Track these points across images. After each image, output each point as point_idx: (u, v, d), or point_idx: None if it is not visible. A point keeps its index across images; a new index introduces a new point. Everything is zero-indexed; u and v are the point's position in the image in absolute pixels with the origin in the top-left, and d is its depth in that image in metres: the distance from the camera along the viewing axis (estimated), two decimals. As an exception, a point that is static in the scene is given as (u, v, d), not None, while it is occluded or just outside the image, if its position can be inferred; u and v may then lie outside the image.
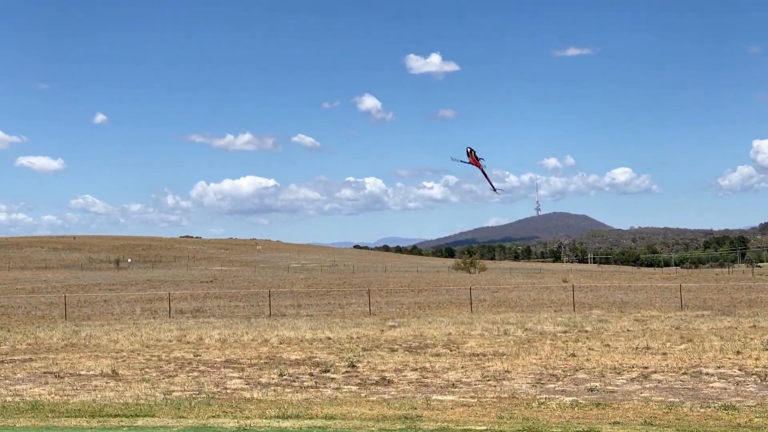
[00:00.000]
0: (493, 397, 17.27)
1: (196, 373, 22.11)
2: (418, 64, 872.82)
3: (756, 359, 22.72)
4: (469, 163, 23.92)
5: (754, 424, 13.99)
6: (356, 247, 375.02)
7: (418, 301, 61.09)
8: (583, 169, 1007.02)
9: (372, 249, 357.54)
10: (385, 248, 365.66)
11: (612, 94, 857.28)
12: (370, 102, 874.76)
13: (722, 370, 20.87)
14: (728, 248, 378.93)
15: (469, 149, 23.81)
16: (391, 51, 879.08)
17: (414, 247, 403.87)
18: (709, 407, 15.56)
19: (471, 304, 52.57)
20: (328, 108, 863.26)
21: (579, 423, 14.20)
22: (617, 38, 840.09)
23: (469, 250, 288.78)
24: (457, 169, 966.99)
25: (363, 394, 18.09)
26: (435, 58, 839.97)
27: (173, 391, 18.97)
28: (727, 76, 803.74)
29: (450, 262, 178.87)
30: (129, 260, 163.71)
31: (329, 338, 31.33)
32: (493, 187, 26.14)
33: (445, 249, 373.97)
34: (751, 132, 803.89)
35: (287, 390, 18.86)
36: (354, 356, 24.92)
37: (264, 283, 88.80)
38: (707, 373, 20.43)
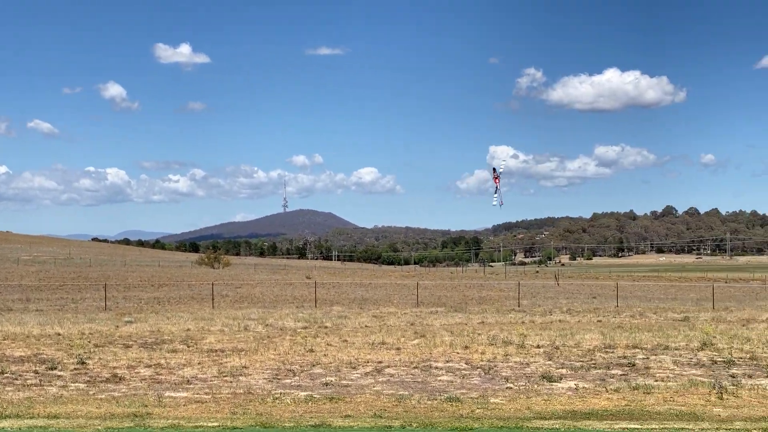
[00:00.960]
0: (228, 393, 17.06)
1: None
2: (167, 53, 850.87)
3: (482, 353, 23.90)
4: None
5: (475, 414, 14.66)
6: (95, 239, 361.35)
7: (158, 296, 59.63)
8: (331, 167, 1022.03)
9: (112, 242, 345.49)
10: (126, 242, 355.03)
11: (362, 94, 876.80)
12: (114, 90, 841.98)
13: (450, 364, 21.77)
14: (464, 248, 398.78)
15: (494, 168, 27.37)
16: (138, 38, 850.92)
17: (157, 241, 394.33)
18: (436, 399, 16.16)
19: (213, 299, 51.95)
20: (68, 94, 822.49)
21: (312, 417, 14.30)
22: (368, 40, 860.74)
23: (214, 246, 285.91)
24: (205, 162, 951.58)
25: (91, 392, 17.32)
26: (185, 49, 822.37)
27: None
28: (468, 83, 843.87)
29: (194, 257, 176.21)
30: None
31: (59, 334, 29.84)
32: (501, 201, 29.13)
33: (190, 244, 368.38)
34: (487, 138, 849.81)
35: (8, 389, 17.72)
36: (84, 353, 23.85)
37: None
38: (436, 367, 21.24)
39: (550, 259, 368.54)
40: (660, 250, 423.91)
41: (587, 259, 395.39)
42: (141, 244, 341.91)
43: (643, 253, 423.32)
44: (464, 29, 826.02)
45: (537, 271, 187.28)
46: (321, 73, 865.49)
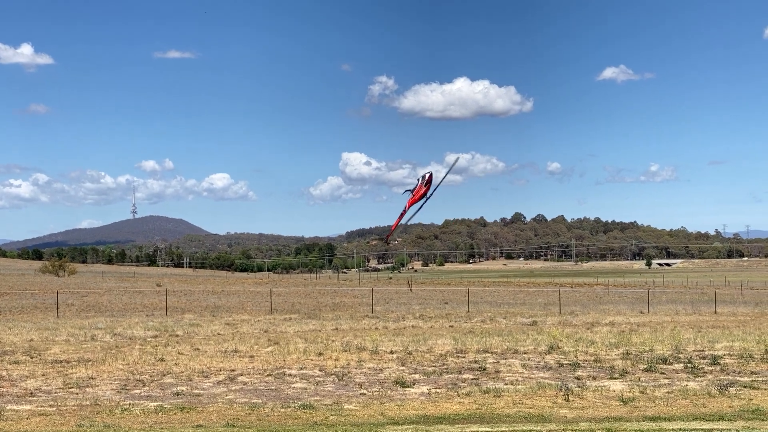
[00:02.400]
0: (74, 405, 16.46)
1: None
2: (6, 54, 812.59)
3: (336, 360, 23.92)
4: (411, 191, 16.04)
5: (329, 421, 14.64)
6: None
7: (-2, 305, 57.11)
8: (182, 173, 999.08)
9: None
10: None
11: (213, 99, 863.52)
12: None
13: (304, 371, 21.69)
14: (318, 254, 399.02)
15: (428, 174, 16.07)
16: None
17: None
18: (290, 407, 16.05)
19: (57, 308, 50.13)
20: None
21: (162, 428, 13.96)
22: (219, 45, 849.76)
23: (59, 253, 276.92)
24: (49, 167, 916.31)
25: (-75, 408, 16.38)
26: (26, 49, 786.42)
27: None
28: (321, 89, 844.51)
29: (37, 264, 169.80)
30: None
31: None
32: (387, 236, 18.76)
33: (33, 251, 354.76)
34: (340, 145, 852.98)
35: None
36: None
37: None
38: (290, 374, 21.12)
39: (403, 266, 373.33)
40: (509, 256, 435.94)
41: (439, 265, 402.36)
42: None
43: (494, 258, 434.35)
44: (317, 35, 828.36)
45: (390, 278, 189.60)
46: (171, 76, 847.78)
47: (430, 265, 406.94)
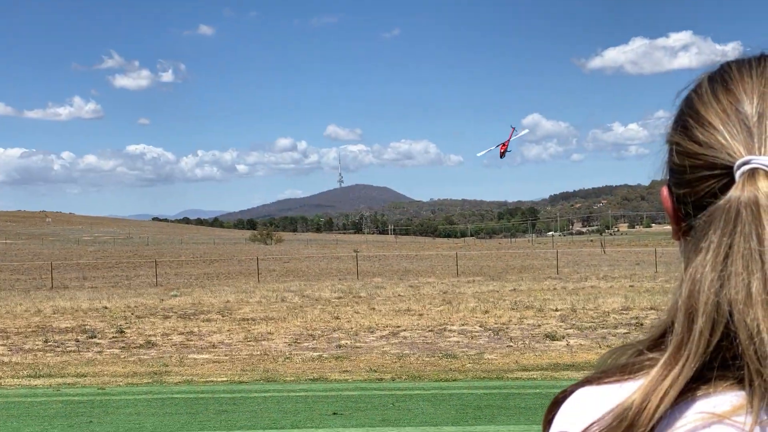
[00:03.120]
0: (246, 355, 18.45)
1: (-42, 343, 22.09)
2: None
3: (498, 317, 24.99)
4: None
5: (465, 368, 15.83)
6: (155, 219, 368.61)
7: (207, 272, 61.53)
8: (378, 140, 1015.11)
9: (171, 221, 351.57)
10: (186, 221, 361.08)
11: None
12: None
13: (465, 327, 22.92)
14: (520, 219, 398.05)
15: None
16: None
17: (215, 219, 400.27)
18: (434, 356, 17.36)
19: (258, 273, 53.59)
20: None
21: (313, 372, 15.61)
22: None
23: (272, 222, 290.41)
24: (258, 146, 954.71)
25: (123, 356, 18.83)
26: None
27: (-70, 358, 19.04)
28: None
29: (248, 233, 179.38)
30: None
31: (106, 308, 31.58)
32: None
33: (248, 221, 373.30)
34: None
35: (48, 354, 19.33)
36: (125, 323, 25.49)
37: (50, 256, 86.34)
38: (450, 330, 22.42)
39: (608, 228, 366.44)
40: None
41: (646, 227, 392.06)
42: (200, 222, 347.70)
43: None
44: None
45: (591, 240, 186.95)
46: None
47: (637, 227, 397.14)
